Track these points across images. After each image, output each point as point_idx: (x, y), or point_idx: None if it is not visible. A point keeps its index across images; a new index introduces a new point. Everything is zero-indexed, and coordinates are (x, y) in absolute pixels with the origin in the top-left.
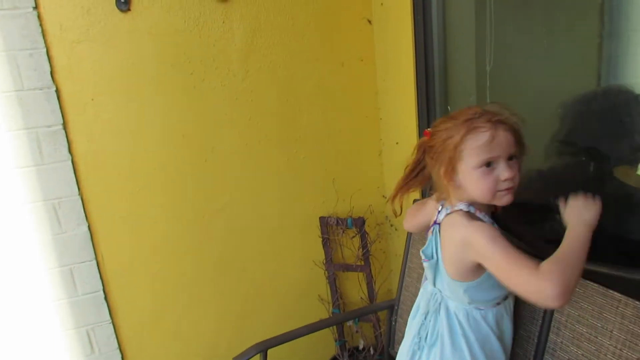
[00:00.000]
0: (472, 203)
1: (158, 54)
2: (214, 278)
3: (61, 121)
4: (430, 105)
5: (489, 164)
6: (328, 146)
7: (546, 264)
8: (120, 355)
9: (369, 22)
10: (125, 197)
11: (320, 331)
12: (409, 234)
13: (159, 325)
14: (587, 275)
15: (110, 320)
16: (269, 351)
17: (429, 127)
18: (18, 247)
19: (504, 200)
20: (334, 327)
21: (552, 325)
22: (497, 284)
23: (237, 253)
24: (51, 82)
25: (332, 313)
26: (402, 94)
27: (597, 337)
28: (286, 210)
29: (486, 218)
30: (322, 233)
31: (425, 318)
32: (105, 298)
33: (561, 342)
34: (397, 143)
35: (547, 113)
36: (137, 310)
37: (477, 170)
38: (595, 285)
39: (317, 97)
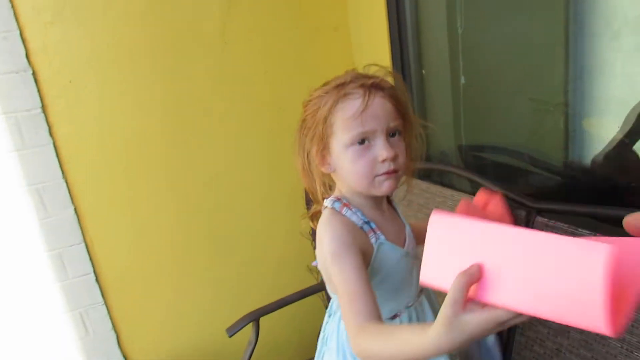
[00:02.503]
0: (343, 196)
1: (135, 31)
2: (205, 254)
3: (40, 104)
4: (406, 71)
5: (363, 141)
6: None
7: (372, 330)
8: (115, 336)
9: None
10: (110, 178)
11: (311, 300)
12: None
13: (153, 304)
14: (556, 217)
15: (103, 302)
16: (262, 320)
17: None
18: (4, 233)
19: (384, 187)
20: (324, 294)
21: None
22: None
23: (226, 228)
24: (27, 64)
25: (321, 281)
26: (377, 61)
27: None
28: (272, 182)
29: (356, 215)
30: (307, 204)
31: (329, 316)
32: (97, 280)
33: None
34: None
35: (518, 72)
36: (130, 290)
37: (350, 148)
38: (565, 225)
39: (295, 68)
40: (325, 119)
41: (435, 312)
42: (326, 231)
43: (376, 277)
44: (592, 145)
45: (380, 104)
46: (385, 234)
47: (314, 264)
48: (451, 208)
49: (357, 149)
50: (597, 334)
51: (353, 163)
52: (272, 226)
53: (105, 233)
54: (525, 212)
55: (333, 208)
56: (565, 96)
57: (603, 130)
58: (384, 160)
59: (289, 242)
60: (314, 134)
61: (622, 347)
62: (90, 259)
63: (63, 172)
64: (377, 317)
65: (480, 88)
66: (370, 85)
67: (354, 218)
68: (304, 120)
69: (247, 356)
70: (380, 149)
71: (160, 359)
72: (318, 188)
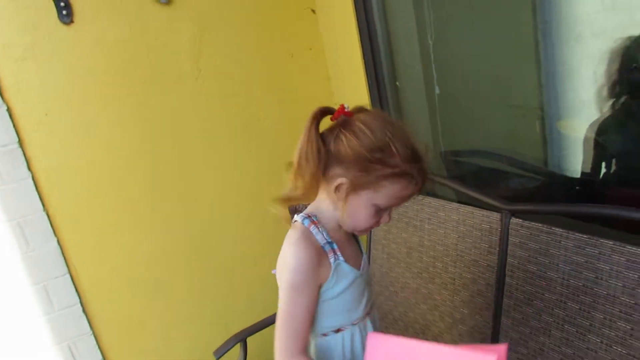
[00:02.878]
0: (313, 214)
1: (107, 63)
2: (190, 278)
3: (16, 139)
4: (380, 83)
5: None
6: (285, 134)
7: None
8: None
9: (313, 11)
10: (91, 207)
11: None
12: None
13: (141, 331)
14: (531, 217)
15: (92, 332)
16: (249, 340)
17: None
18: None
19: (365, 231)
20: None
21: (506, 269)
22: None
23: (210, 251)
24: (1, 101)
25: None
26: (353, 77)
27: (546, 273)
28: (246, 197)
29: (321, 234)
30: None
31: None
32: (84, 310)
33: (516, 284)
34: None
35: (491, 79)
36: (117, 319)
37: (372, 207)
38: (539, 224)
39: (270, 89)
40: (382, 178)
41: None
42: (292, 253)
43: (331, 293)
44: (568, 145)
45: (414, 194)
46: (343, 255)
47: (273, 272)
48: (428, 214)
49: (376, 210)
50: (577, 331)
51: (366, 217)
52: (248, 242)
53: (90, 262)
54: (501, 215)
55: (302, 224)
56: (538, 100)
57: (576, 132)
58: (381, 223)
59: (267, 255)
60: (360, 174)
61: (601, 342)
62: (76, 289)
63: (44, 205)
64: (306, 352)
65: (455, 96)
66: (423, 182)
67: (319, 237)
68: (350, 146)
69: None
70: (386, 217)
71: None
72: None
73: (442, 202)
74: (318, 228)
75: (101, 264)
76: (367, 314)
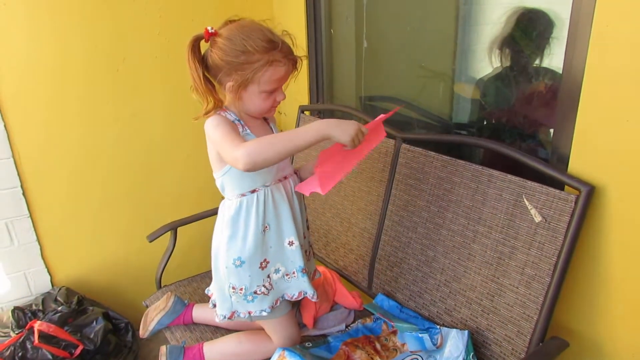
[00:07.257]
0: (227, 107)
1: None
2: (127, 175)
3: None
4: (317, 28)
5: (272, 91)
6: None
7: (252, 140)
8: (39, 247)
9: None
10: (40, 96)
11: None
12: None
13: (76, 219)
14: (415, 144)
15: (29, 214)
16: (179, 229)
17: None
18: None
19: (271, 113)
20: None
21: (393, 183)
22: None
23: (144, 148)
24: None
25: None
26: (293, 20)
27: (420, 185)
28: (181, 109)
29: (231, 115)
30: None
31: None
32: (24, 194)
33: (399, 194)
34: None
35: (410, 42)
36: (55, 205)
37: (262, 94)
38: (420, 149)
39: (218, 14)
40: (255, 73)
41: (288, 199)
42: (209, 121)
43: None
44: (457, 102)
45: (290, 71)
46: (251, 129)
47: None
48: None
49: (267, 95)
50: (434, 227)
51: (262, 102)
52: (195, 154)
53: (33, 149)
54: (395, 141)
55: (216, 112)
56: (447, 67)
57: (464, 93)
58: (279, 101)
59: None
60: (238, 75)
61: (448, 234)
62: (18, 173)
63: None
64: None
65: (379, 52)
66: (292, 61)
67: (229, 117)
68: (224, 52)
69: (164, 260)
70: (280, 96)
71: (81, 272)
72: (209, 99)
73: None
74: (227, 112)
75: (45, 152)
76: (280, 181)
